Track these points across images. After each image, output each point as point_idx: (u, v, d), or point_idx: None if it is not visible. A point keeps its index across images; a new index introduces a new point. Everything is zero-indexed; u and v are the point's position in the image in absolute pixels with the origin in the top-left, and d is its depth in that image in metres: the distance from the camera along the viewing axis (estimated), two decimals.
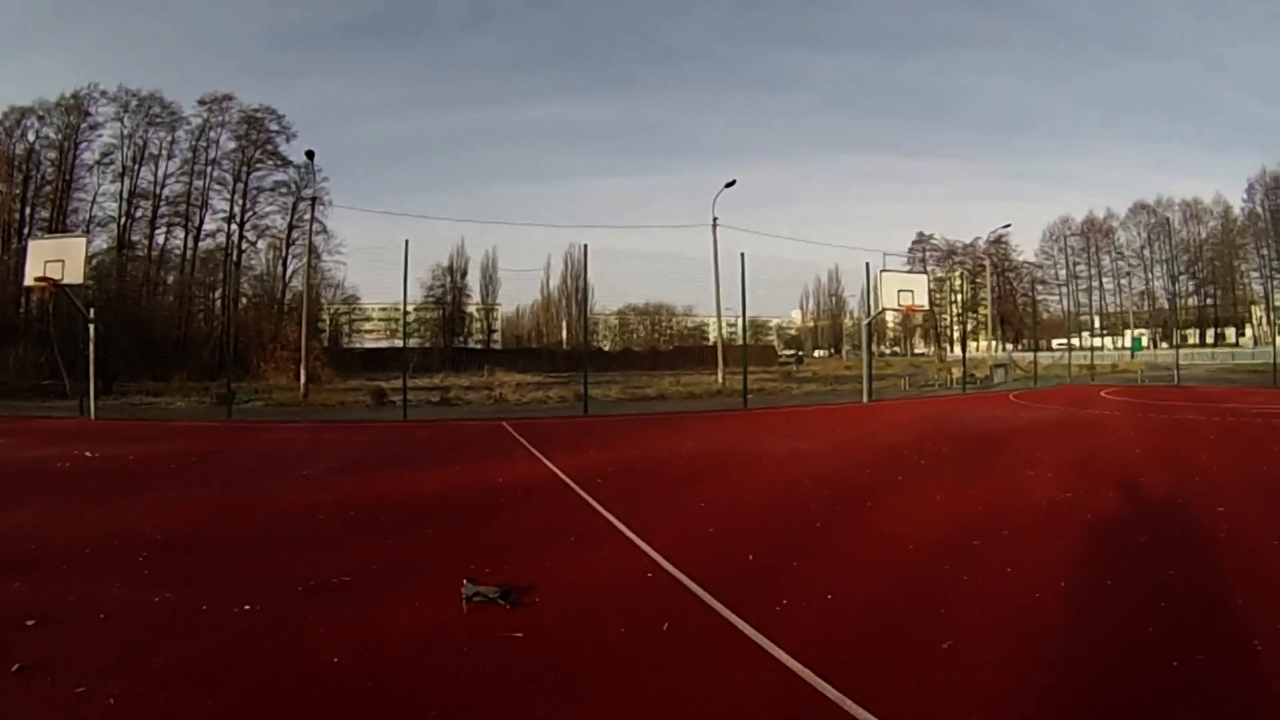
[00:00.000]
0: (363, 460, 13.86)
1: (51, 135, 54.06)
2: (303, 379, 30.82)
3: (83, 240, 20.15)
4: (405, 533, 8.27)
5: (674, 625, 5.60)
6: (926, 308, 28.96)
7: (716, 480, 11.53)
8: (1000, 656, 4.84)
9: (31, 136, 51.42)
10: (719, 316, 40.28)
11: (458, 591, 6.01)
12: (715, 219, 39.45)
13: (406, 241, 23.43)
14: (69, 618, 5.57)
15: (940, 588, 6.14)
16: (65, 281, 17.83)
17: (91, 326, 19.05)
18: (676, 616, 5.77)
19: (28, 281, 18.64)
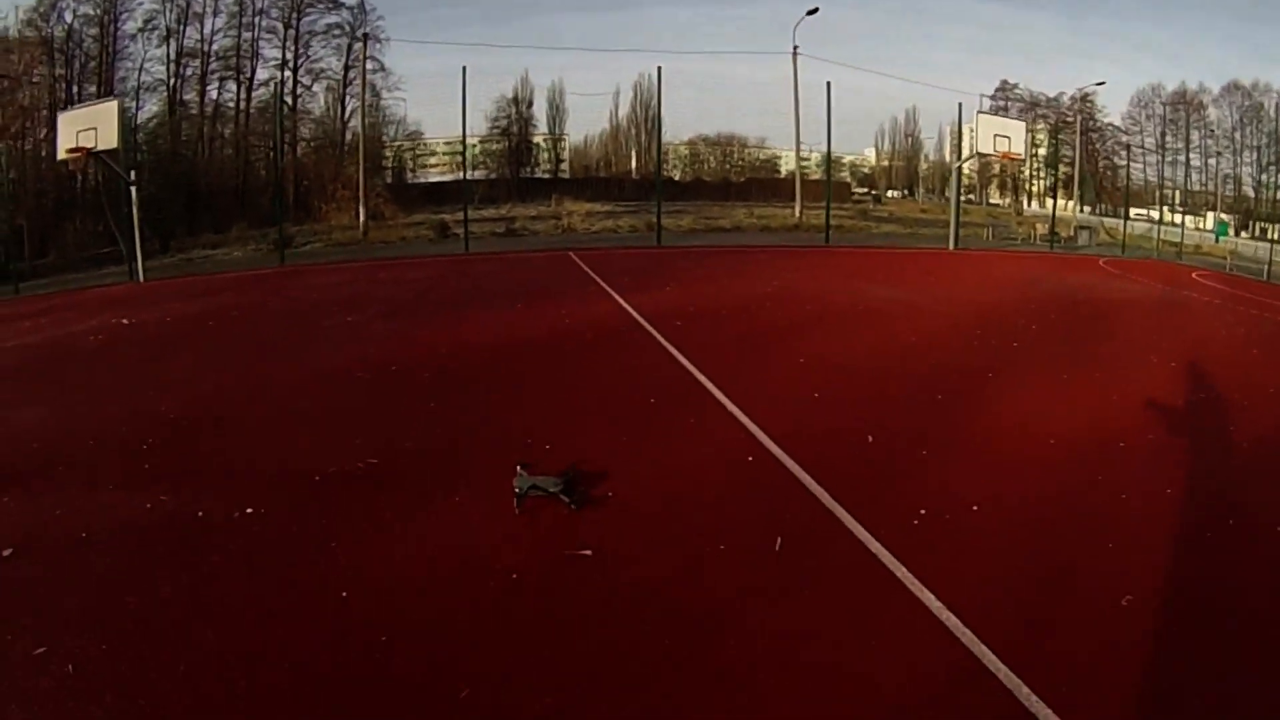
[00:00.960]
0: (415, 301, 12.69)
1: (90, 12, 52.30)
2: (362, 217, 29.97)
3: (113, 104, 18.78)
4: (450, 394, 7.06)
5: (789, 543, 4.17)
6: (1022, 157, 27.73)
7: (811, 331, 9.80)
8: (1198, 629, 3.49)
9: (69, 18, 49.58)
10: (797, 149, 38.94)
11: (508, 483, 4.64)
12: (795, 47, 36.81)
13: (464, 68, 23.23)
14: (50, 542, 4.55)
15: (1098, 509, 4.83)
16: (100, 149, 17.06)
17: (133, 190, 18.44)
18: (791, 529, 4.44)
19: (60, 155, 17.98)
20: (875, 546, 4.20)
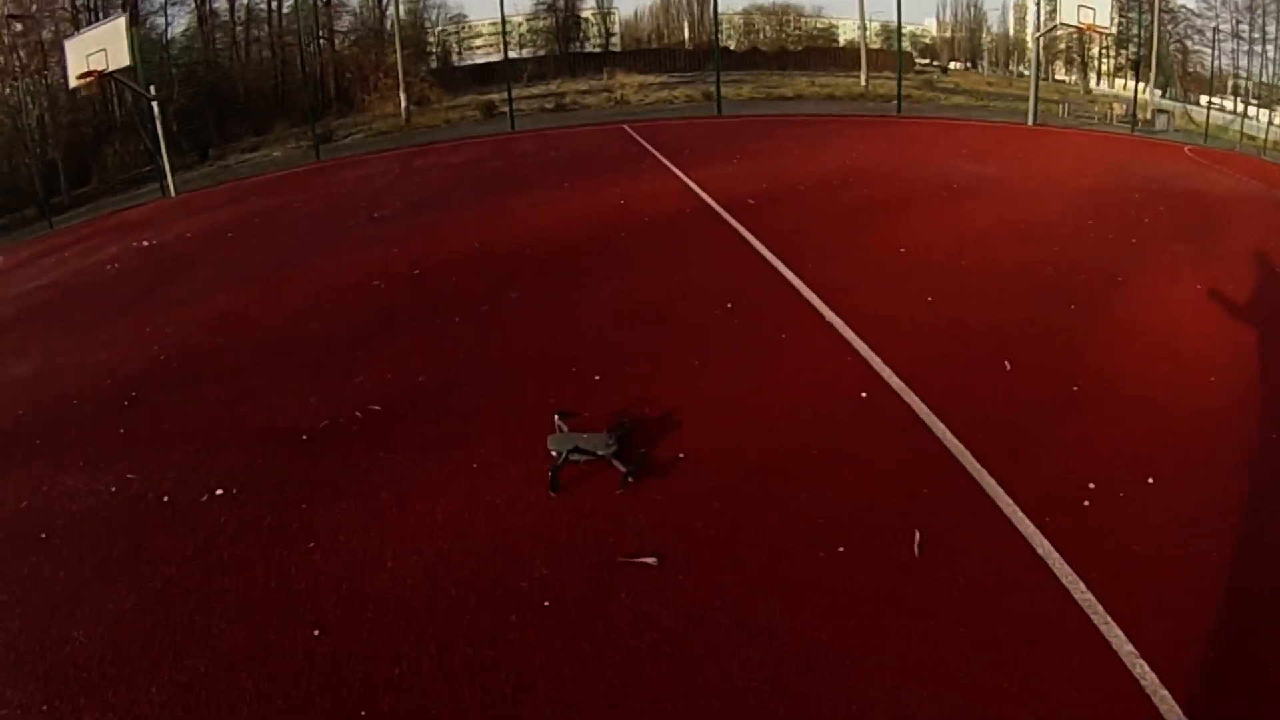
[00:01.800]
0: (449, 190, 11.33)
1: None
2: (403, 103, 28.44)
3: (120, 22, 17.47)
4: (478, 308, 5.85)
5: (930, 536, 2.92)
6: (1109, 30, 25.49)
7: (904, 214, 7.93)
8: None
9: None
10: (862, 8, 35.24)
11: (542, 442, 3.45)
12: None
13: None
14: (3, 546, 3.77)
15: None
16: (112, 69, 15.97)
17: (155, 105, 17.45)
18: (928, 513, 3.20)
19: (72, 83, 17.02)
20: (1042, 545, 2.91)
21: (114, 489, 4.08)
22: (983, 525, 3.12)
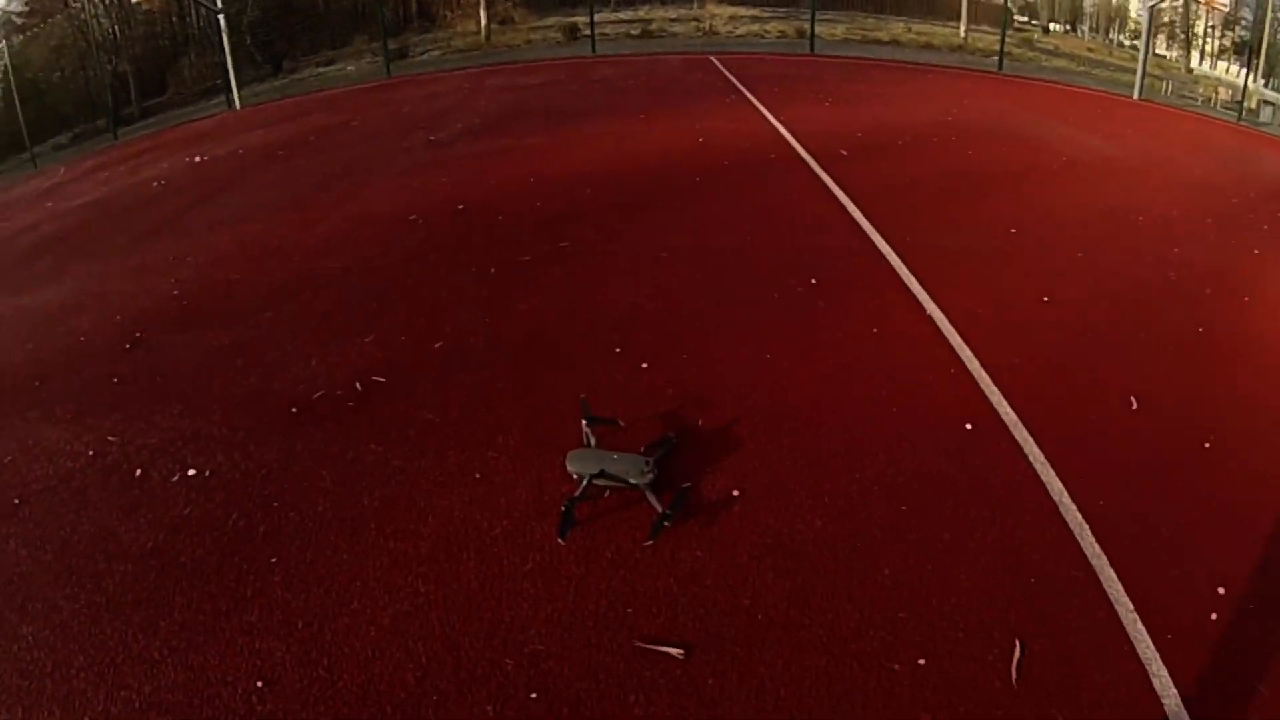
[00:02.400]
0: (513, 114, 10.48)
1: None
2: (484, 20, 27.44)
3: None
4: (517, 259, 5.15)
5: (1034, 654, 2.17)
6: (1225, 7, 23.07)
7: (1015, 188, 6.60)
8: None
9: None
10: None
11: (562, 446, 2.76)
12: None
13: None
14: None
15: None
16: None
17: (221, 17, 17.05)
18: (1039, 612, 2.46)
19: None
20: (1160, 676, 2.09)
21: (92, 452, 3.69)
22: (1096, 637, 2.29)
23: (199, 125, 14.44)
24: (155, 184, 9.19)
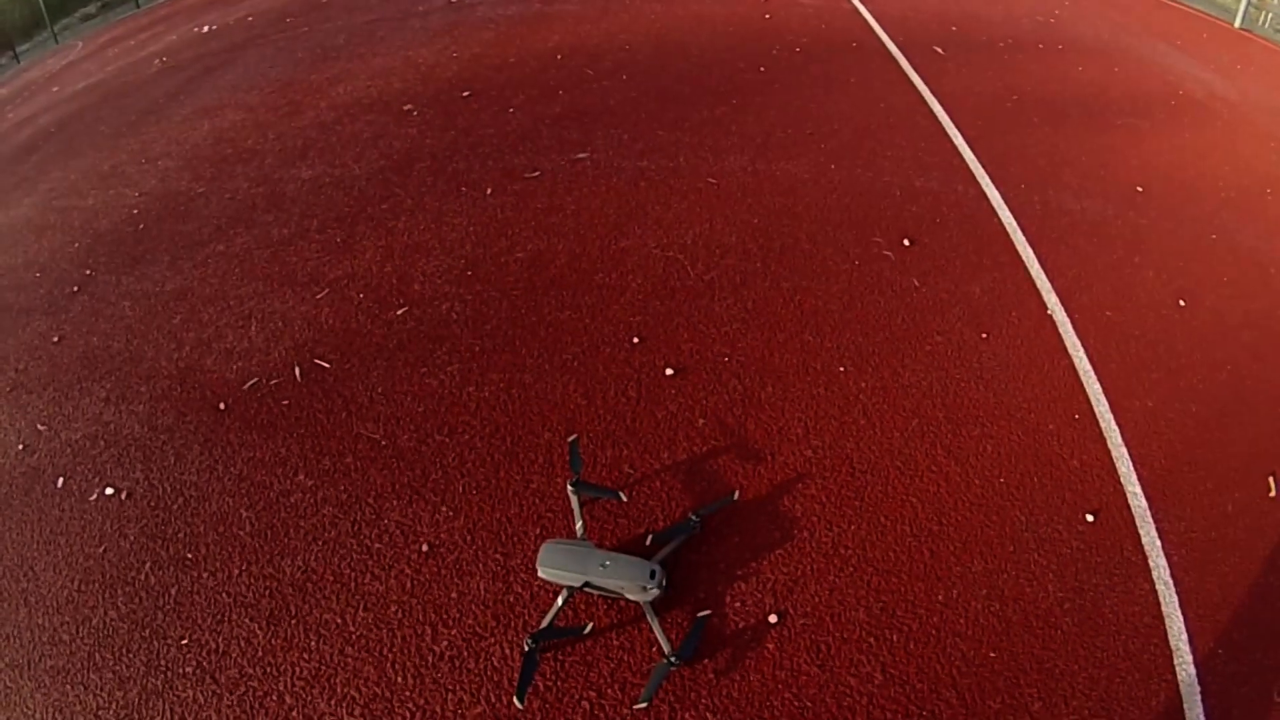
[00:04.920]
0: None
1: None
2: None
3: None
4: (527, 170, 4.20)
5: None
6: None
7: (1134, 128, 4.88)
8: None
9: None
10: None
11: (541, 511, 2.20)
12: None
13: None
14: None
15: None
16: None
17: None
18: None
19: None
20: None
21: (21, 446, 3.28)
22: None
23: None
24: (157, 61, 8.47)
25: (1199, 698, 1.99)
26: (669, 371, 2.80)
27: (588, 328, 3.03)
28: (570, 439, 2.44)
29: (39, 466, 3.12)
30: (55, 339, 3.84)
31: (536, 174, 4.13)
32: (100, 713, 2.19)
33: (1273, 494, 2.50)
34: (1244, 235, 3.89)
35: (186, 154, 5.42)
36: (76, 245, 4.69)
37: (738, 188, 3.86)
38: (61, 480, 3.01)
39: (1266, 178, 4.56)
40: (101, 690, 2.24)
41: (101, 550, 2.66)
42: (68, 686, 2.27)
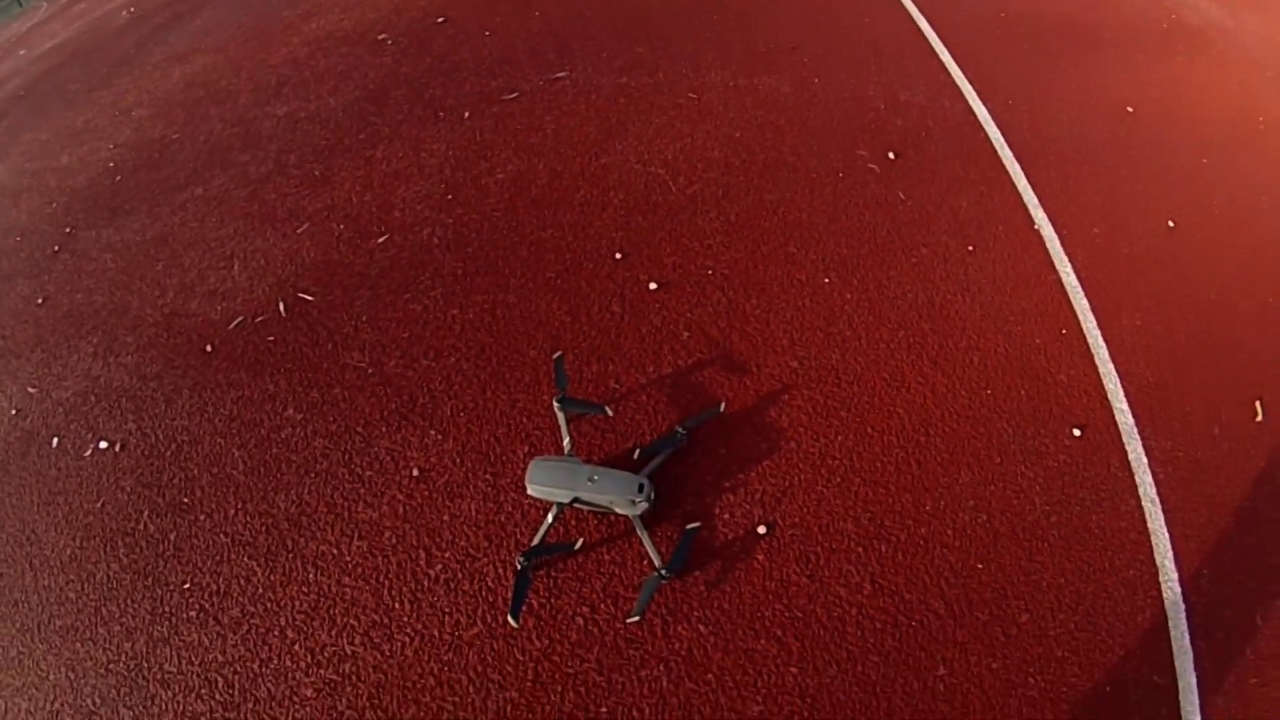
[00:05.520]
0: None
1: None
2: None
3: None
4: (504, 91, 4.03)
5: None
6: None
7: (1127, 52, 4.44)
8: None
9: None
10: None
11: (530, 432, 2.23)
12: None
13: None
14: None
15: None
16: None
17: None
18: None
19: None
20: None
21: (14, 411, 3.30)
22: None
23: None
24: (125, 13, 8.23)
25: (1184, 616, 1.96)
26: (652, 286, 2.72)
27: (570, 245, 2.95)
28: (555, 356, 2.39)
29: (33, 429, 3.13)
30: (40, 300, 3.82)
31: (515, 95, 3.98)
32: (111, 665, 2.22)
33: (1259, 419, 2.41)
34: (1235, 161, 3.69)
35: (159, 101, 5.31)
36: (54, 205, 4.63)
37: (719, 102, 3.70)
38: (56, 440, 3.02)
39: (1260, 106, 4.31)
40: (110, 644, 2.27)
41: (100, 505, 2.68)
42: (78, 644, 2.30)
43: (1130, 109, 3.87)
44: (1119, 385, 2.45)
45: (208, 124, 4.72)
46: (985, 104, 3.70)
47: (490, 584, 2.01)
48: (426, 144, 3.75)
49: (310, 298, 3.03)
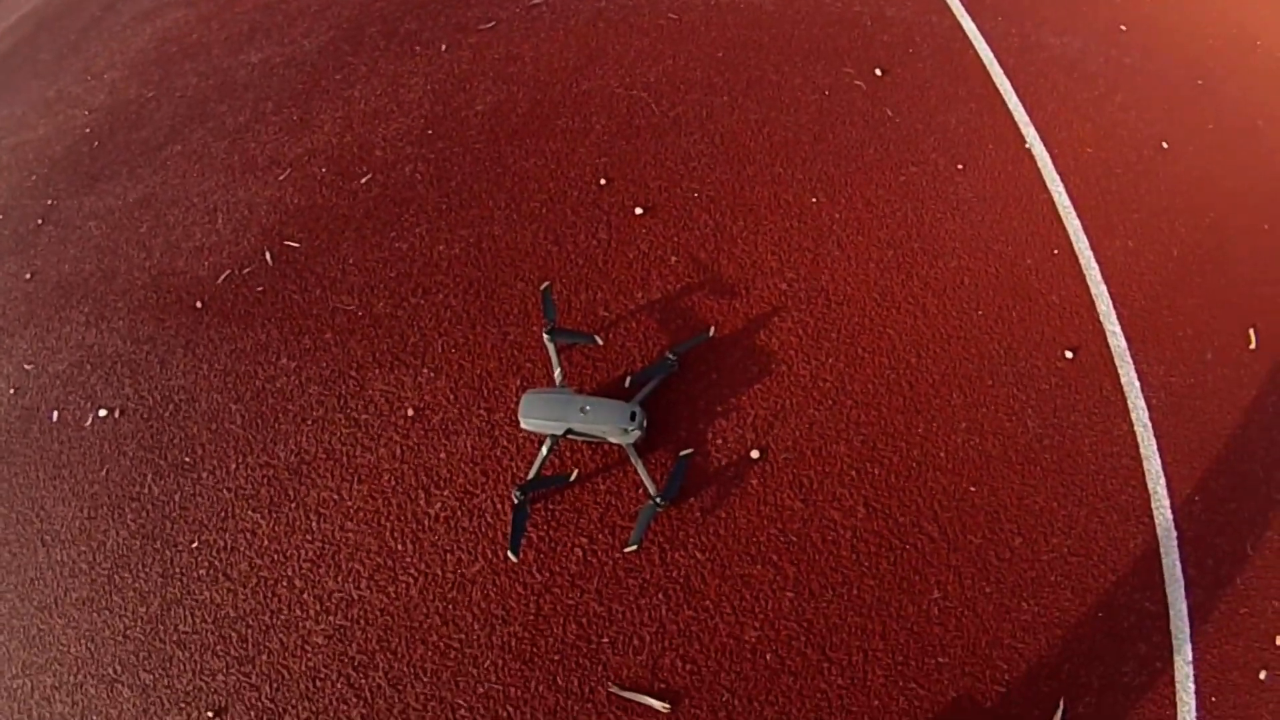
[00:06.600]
0: None
1: None
2: None
3: None
4: (481, 20, 3.86)
5: None
6: None
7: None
8: None
9: None
10: None
11: (525, 365, 2.42)
12: None
13: None
14: None
15: None
16: None
17: None
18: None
19: None
20: None
21: (12, 390, 3.31)
22: None
23: None
24: None
25: (1175, 543, 1.95)
26: (638, 211, 2.66)
27: (553, 174, 2.88)
28: (543, 286, 2.36)
29: (32, 405, 3.16)
30: (28, 276, 3.83)
31: (492, 24, 3.86)
32: (128, 631, 2.27)
33: (1253, 346, 2.34)
34: (1230, 85, 3.51)
35: (132, 61, 5.22)
36: (34, 178, 4.61)
37: (700, 21, 3.56)
38: (56, 414, 3.05)
39: (1257, 29, 4.07)
40: (125, 610, 2.32)
41: (104, 473, 2.72)
42: (94, 614, 2.35)
43: (1123, 27, 3.70)
44: (1111, 308, 2.40)
45: (182, 79, 4.64)
46: (974, 19, 3.55)
47: (489, 520, 2.03)
48: (404, 79, 3.66)
49: (296, 244, 3.01)
